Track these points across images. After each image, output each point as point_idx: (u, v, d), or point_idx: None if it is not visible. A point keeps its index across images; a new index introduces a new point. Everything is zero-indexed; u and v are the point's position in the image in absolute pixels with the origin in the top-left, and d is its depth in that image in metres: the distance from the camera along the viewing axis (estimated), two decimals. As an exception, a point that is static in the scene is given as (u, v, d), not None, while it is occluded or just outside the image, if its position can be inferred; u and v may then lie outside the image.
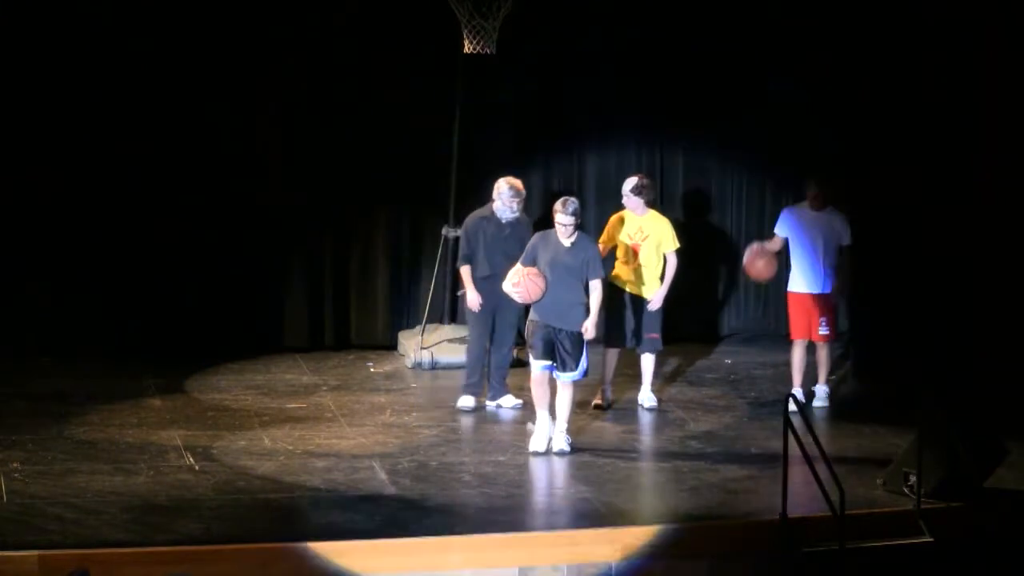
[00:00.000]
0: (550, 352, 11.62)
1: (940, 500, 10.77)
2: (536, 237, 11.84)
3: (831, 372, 13.52)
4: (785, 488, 10.39)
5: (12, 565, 9.43)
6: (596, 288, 11.73)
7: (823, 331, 13.14)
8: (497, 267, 12.62)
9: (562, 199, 11.75)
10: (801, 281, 13.19)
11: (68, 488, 10.77)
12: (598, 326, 11.91)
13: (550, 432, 11.70)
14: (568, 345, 11.61)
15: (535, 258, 11.68)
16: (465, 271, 12.96)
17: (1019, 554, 10.69)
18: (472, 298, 12.89)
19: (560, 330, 11.62)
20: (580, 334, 11.64)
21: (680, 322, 15.53)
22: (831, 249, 13.11)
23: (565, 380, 11.68)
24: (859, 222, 15.24)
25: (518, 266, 11.70)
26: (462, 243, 13.06)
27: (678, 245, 13.01)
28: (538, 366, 11.68)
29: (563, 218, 11.63)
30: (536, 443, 11.66)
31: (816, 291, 13.13)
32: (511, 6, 13.58)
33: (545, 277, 11.55)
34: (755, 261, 13.07)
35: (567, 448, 11.64)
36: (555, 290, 11.57)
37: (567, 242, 11.65)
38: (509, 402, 13.00)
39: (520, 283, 11.55)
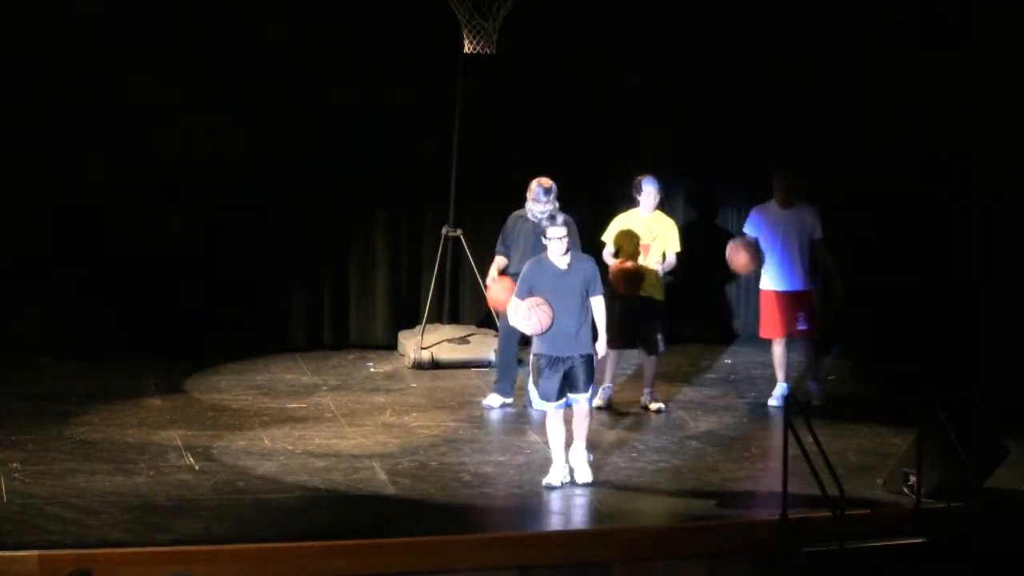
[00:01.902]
0: (561, 390, 11.02)
1: (940, 500, 10.77)
2: (528, 266, 11.18)
3: (822, 370, 13.47)
4: (785, 488, 10.38)
5: (12, 565, 9.43)
6: (599, 305, 11.11)
7: (801, 326, 13.10)
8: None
9: (547, 216, 11.08)
10: (772, 279, 13.17)
11: (68, 488, 10.77)
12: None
13: (567, 471, 11.16)
14: (580, 368, 11.02)
15: (531, 288, 11.01)
16: (497, 260, 12.88)
17: (1019, 554, 10.69)
18: (493, 277, 12.69)
19: (570, 357, 11.04)
20: (591, 356, 11.09)
21: (681, 323, 15.59)
22: (803, 245, 13.07)
23: (581, 402, 11.10)
24: (858, 221, 15.32)
25: (515, 299, 11.08)
26: (500, 238, 13.00)
27: (679, 248, 13.02)
28: (552, 407, 11.05)
29: (555, 231, 10.99)
30: (553, 478, 11.11)
31: (788, 288, 13.11)
32: (511, 6, 13.59)
33: (551, 306, 10.99)
34: (736, 254, 13.03)
35: (590, 478, 11.12)
36: (562, 318, 10.94)
37: (563, 264, 11.02)
38: (494, 401, 13.06)
39: (531, 316, 10.92)
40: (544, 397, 11.06)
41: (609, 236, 13.01)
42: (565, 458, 11.12)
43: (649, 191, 12.95)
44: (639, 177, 13.05)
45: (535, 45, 14.97)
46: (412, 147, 14.99)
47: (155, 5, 14.39)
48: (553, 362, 11.01)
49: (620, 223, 13.02)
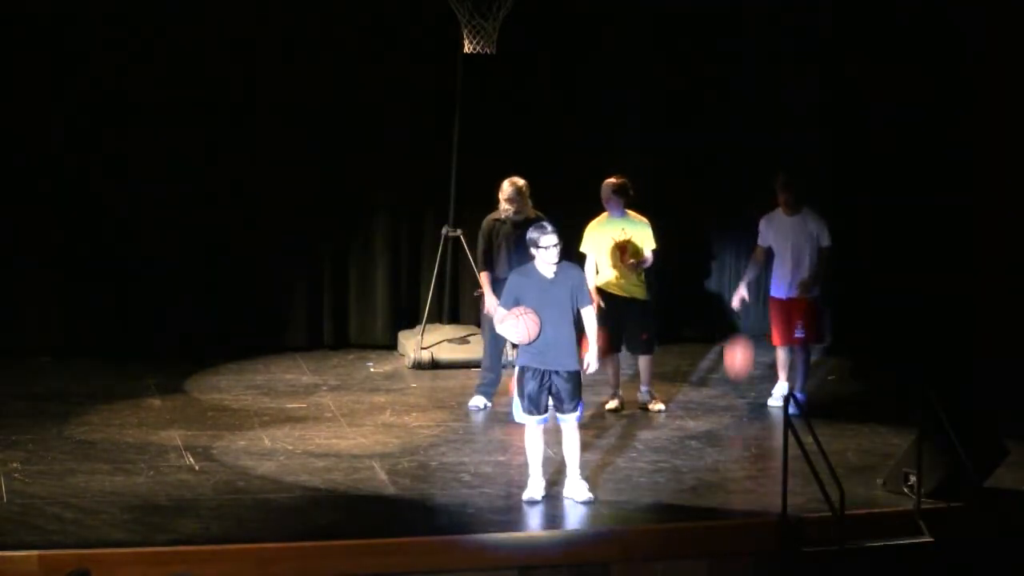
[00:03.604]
0: (545, 404, 10.72)
1: (940, 500, 10.77)
2: (514, 276, 10.90)
3: (808, 380, 13.36)
4: (785, 488, 10.39)
5: (12, 565, 9.43)
6: (590, 316, 10.83)
7: (798, 334, 13.02)
8: (515, 268, 12.55)
9: (536, 225, 10.80)
10: (778, 286, 13.12)
11: (68, 488, 10.77)
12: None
13: (545, 484, 10.87)
14: (565, 385, 10.69)
15: (518, 299, 10.70)
16: (484, 276, 12.90)
17: (1019, 554, 10.70)
18: (490, 303, 12.62)
19: (556, 372, 10.70)
20: (577, 372, 10.74)
21: (681, 323, 15.59)
22: (809, 253, 13.00)
23: (569, 422, 10.78)
24: (858, 220, 15.32)
25: (502, 309, 10.81)
26: (479, 246, 12.98)
27: (655, 245, 12.99)
28: (533, 422, 10.73)
29: (548, 239, 10.63)
30: (532, 492, 10.81)
31: (793, 295, 13.05)
32: (511, 6, 13.59)
33: (539, 315, 10.70)
34: (733, 359, 13.05)
35: (591, 496, 10.85)
36: (548, 329, 10.61)
37: (550, 273, 10.71)
38: (477, 402, 13.08)
39: (518, 324, 10.64)
40: (527, 410, 10.78)
41: (585, 245, 12.98)
42: (541, 477, 10.89)
43: (605, 196, 12.90)
44: (605, 181, 12.99)
45: (535, 45, 14.98)
46: (411, 147, 14.99)
47: (155, 5, 14.38)
48: (538, 375, 10.73)
49: (592, 230, 12.99)
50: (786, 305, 13.10)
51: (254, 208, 14.76)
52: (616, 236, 12.87)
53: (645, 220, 13.03)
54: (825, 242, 13.03)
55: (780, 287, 13.12)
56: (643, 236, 12.93)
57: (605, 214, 13.01)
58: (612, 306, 12.82)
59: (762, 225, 13.22)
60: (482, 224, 13.04)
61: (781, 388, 13.19)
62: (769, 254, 13.24)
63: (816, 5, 15.46)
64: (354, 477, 11.21)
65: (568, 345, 10.74)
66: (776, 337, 13.22)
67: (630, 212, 13.01)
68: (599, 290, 12.78)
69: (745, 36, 15.44)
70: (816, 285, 13.03)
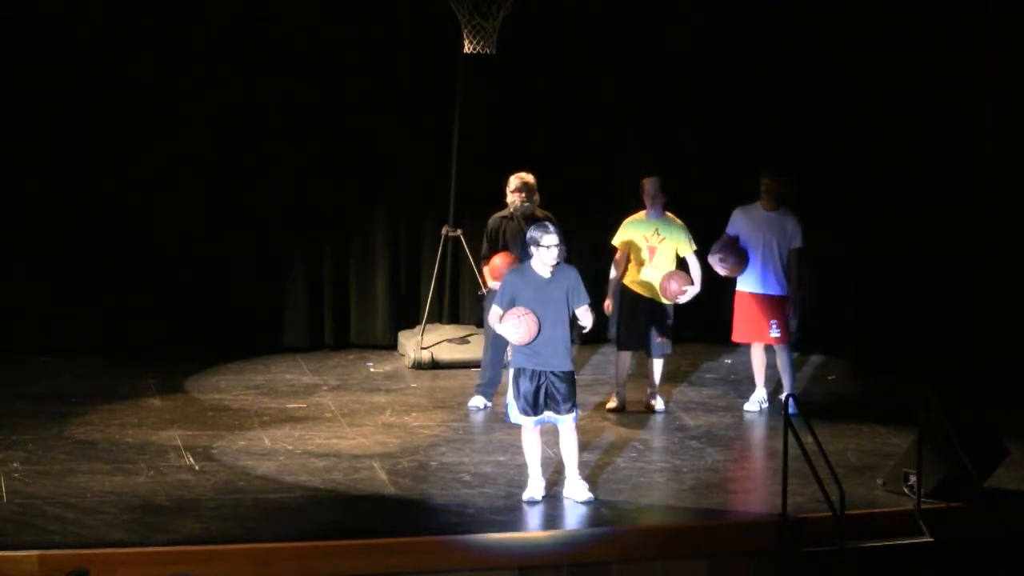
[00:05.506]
0: (540, 405, 10.67)
1: (940, 500, 10.78)
2: (510, 276, 10.84)
3: (795, 380, 13.33)
4: (785, 488, 10.40)
5: (12, 565, 9.43)
6: (585, 316, 10.72)
7: (773, 333, 12.96)
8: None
9: (537, 224, 10.78)
10: (748, 281, 13.01)
11: (68, 488, 10.77)
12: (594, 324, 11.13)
13: (544, 484, 10.87)
14: (560, 385, 10.66)
15: (514, 298, 10.65)
16: (487, 269, 12.94)
17: (1019, 554, 10.70)
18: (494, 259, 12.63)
19: (551, 372, 10.66)
20: (571, 373, 10.72)
21: (682, 323, 15.58)
22: (783, 251, 12.93)
23: (566, 423, 10.76)
24: (858, 220, 15.32)
25: (497, 308, 10.74)
26: (484, 242, 12.98)
27: (695, 247, 12.95)
28: (530, 422, 10.71)
29: (550, 239, 10.59)
30: (532, 492, 10.80)
31: (762, 291, 12.98)
32: (511, 6, 13.59)
33: (538, 315, 10.67)
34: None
35: (591, 496, 10.81)
36: (544, 329, 10.58)
37: (546, 273, 10.65)
38: (477, 402, 13.07)
39: (519, 324, 10.57)
40: (523, 411, 10.74)
41: (617, 239, 13.00)
42: (541, 476, 10.88)
43: (652, 193, 12.91)
44: (644, 179, 13.01)
45: (535, 46, 14.97)
46: (412, 147, 14.99)
47: (157, 5, 14.40)
48: (534, 376, 10.70)
49: (627, 226, 12.99)
50: (755, 301, 13.01)
51: (254, 208, 14.75)
52: (648, 236, 12.83)
53: (681, 223, 12.95)
54: (796, 243, 12.92)
55: (749, 282, 13.03)
56: (678, 239, 12.86)
57: (643, 212, 12.97)
58: (635, 306, 12.82)
59: (736, 214, 13.08)
60: (488, 221, 13.03)
61: (759, 395, 13.15)
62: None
63: (816, 8, 15.47)
64: (354, 477, 11.21)
65: (563, 345, 10.73)
66: (737, 332, 13.13)
67: (668, 213, 12.97)
68: (623, 287, 12.78)
69: (745, 37, 15.42)
70: (796, 289, 12.98)
